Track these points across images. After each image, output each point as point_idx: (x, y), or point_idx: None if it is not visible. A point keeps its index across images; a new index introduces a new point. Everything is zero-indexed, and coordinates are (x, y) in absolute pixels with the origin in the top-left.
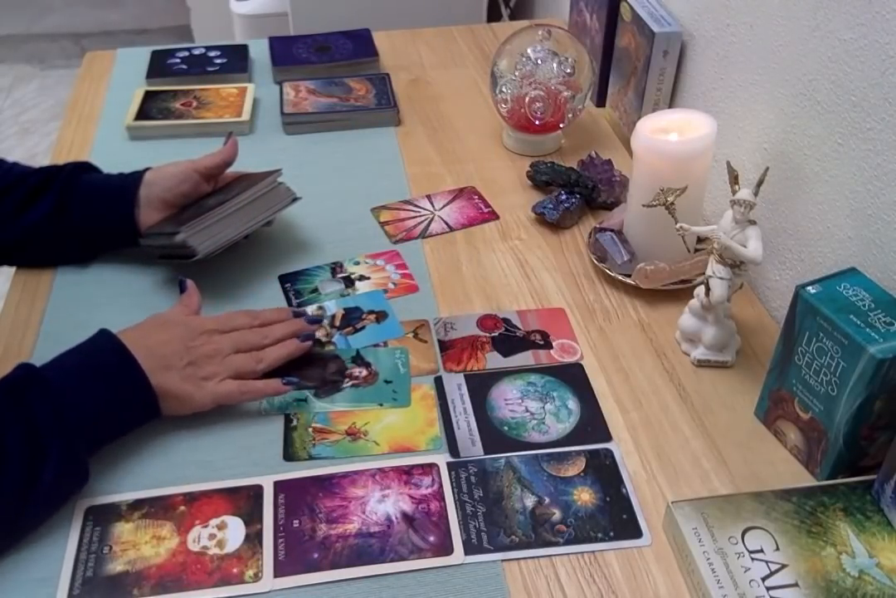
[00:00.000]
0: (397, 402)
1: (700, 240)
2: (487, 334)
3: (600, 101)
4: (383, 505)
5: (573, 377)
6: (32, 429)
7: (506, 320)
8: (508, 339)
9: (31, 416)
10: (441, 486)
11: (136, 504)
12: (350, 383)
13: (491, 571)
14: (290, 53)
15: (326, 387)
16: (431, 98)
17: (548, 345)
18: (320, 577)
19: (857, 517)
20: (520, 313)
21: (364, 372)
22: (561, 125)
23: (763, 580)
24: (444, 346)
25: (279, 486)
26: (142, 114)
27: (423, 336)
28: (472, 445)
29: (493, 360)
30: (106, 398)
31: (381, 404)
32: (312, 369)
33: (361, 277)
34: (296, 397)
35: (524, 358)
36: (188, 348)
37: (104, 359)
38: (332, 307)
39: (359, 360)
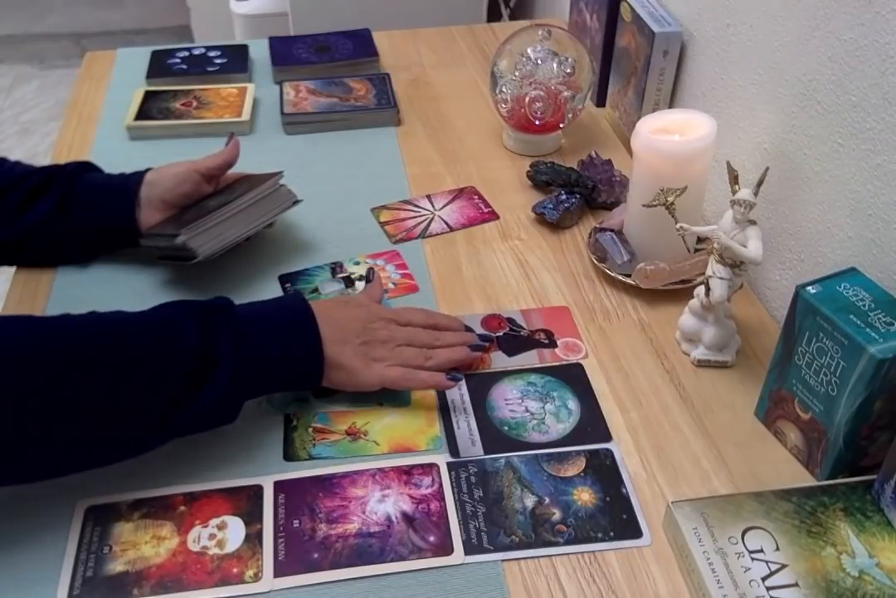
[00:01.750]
0: (397, 401)
1: (700, 240)
2: (492, 334)
3: (600, 101)
4: (383, 505)
5: (573, 377)
6: (210, 348)
7: (510, 320)
8: (513, 338)
9: (212, 337)
10: (441, 486)
11: (136, 504)
12: None
13: (491, 571)
14: (290, 53)
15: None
16: (431, 98)
17: (552, 344)
18: (320, 577)
19: (857, 517)
20: (524, 313)
21: None
22: (561, 125)
23: (763, 580)
24: None
25: (279, 486)
26: (142, 114)
27: None
28: (472, 445)
29: (499, 359)
30: (281, 350)
31: (381, 404)
32: None
33: (361, 278)
34: (296, 397)
35: (529, 357)
36: (366, 328)
37: (291, 316)
38: None
39: None
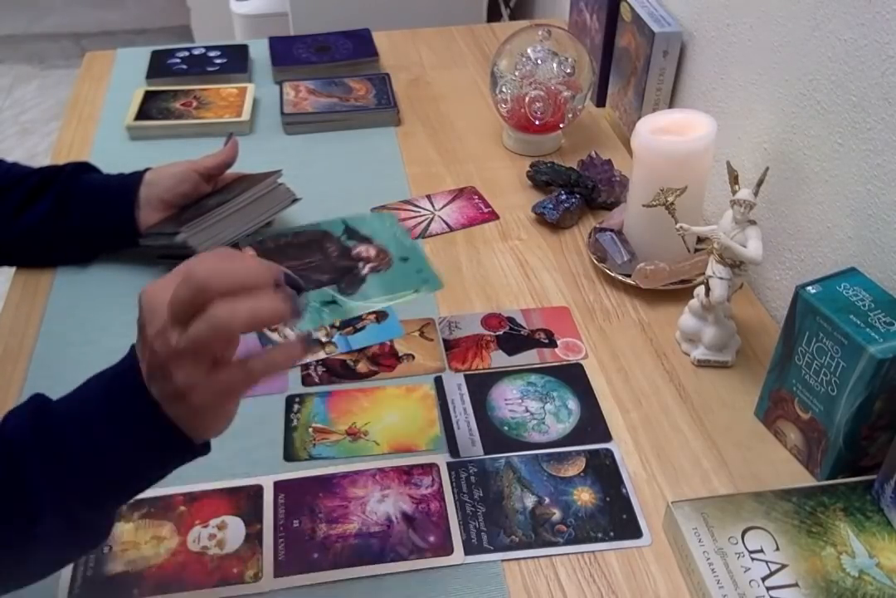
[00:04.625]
0: (430, 284)
1: (700, 240)
2: (492, 333)
3: (600, 101)
4: (383, 505)
5: (573, 377)
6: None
7: (510, 319)
8: (513, 337)
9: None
10: (441, 486)
11: (136, 504)
12: (367, 269)
13: (491, 571)
14: (290, 53)
15: (346, 278)
16: (431, 98)
17: (552, 343)
18: (320, 577)
19: (857, 517)
20: (524, 312)
21: (371, 250)
22: (561, 125)
23: (763, 580)
24: (449, 345)
25: (279, 486)
26: (142, 114)
27: (428, 335)
28: (472, 445)
29: (498, 358)
30: (120, 447)
31: (416, 291)
32: (312, 254)
33: None
34: (324, 300)
35: (529, 357)
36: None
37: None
38: None
39: (354, 234)
